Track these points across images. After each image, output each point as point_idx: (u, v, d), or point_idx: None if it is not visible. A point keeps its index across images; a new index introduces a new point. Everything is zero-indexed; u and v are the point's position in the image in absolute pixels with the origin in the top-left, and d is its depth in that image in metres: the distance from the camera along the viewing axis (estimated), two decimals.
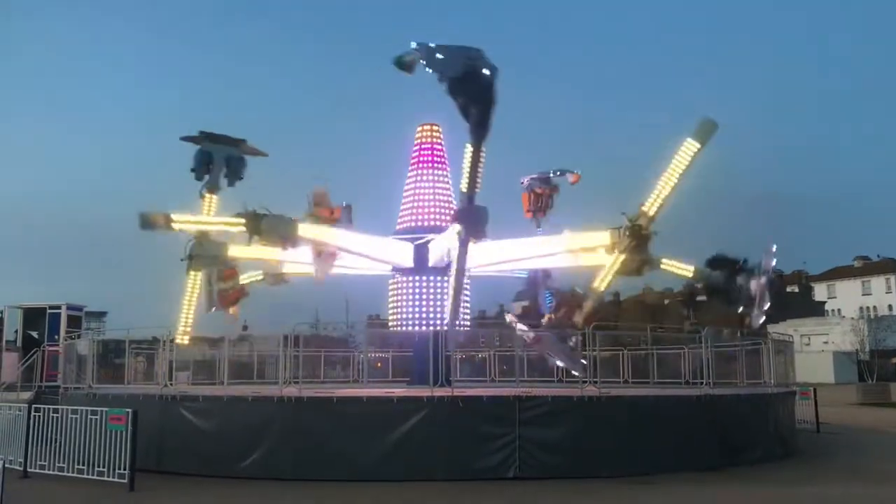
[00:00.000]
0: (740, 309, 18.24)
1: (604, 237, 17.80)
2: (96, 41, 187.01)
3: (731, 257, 18.19)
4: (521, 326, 19.21)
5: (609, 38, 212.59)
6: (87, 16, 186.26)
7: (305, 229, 17.73)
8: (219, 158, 17.96)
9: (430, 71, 15.10)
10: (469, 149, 16.59)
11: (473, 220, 17.11)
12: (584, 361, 16.46)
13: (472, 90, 15.40)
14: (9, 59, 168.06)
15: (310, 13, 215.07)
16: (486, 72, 15.23)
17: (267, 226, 16.71)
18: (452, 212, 18.74)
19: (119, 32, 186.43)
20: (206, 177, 18.16)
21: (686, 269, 18.21)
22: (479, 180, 16.92)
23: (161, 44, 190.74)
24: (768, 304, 17.66)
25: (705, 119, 17.23)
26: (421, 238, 20.47)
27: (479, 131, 16.21)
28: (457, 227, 17.60)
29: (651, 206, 17.36)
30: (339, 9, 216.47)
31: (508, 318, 20.86)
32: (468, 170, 16.80)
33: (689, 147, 17.13)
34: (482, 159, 16.67)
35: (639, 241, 17.22)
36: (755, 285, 17.53)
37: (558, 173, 21.76)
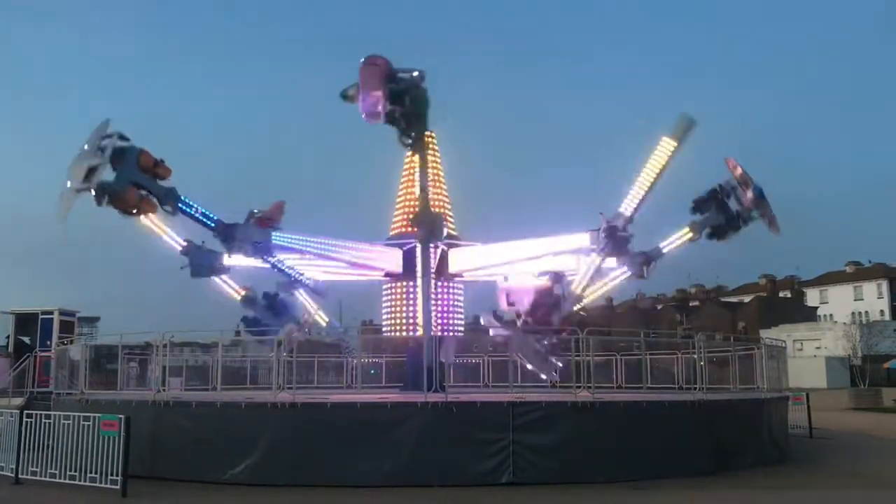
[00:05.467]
0: (748, 223, 17.73)
1: (582, 239, 17.93)
2: (89, 44, 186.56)
3: (708, 191, 17.81)
4: (494, 326, 18.43)
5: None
6: (88, 20, 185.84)
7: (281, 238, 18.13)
8: None
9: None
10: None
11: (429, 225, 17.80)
12: (558, 364, 16.45)
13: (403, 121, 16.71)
14: (2, 59, 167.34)
15: (300, 14, 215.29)
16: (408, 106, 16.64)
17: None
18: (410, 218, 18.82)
19: (116, 36, 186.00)
20: None
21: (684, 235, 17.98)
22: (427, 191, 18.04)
23: (159, 46, 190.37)
24: (769, 206, 17.46)
25: (683, 116, 17.10)
26: (413, 244, 20.46)
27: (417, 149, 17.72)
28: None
29: (627, 206, 17.42)
30: (330, 10, 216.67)
31: (483, 320, 19.66)
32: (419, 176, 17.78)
33: (666, 145, 17.14)
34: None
35: (616, 243, 17.16)
36: (747, 198, 17.39)
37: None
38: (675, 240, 17.97)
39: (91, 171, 15.11)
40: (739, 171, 17.66)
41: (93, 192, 15.19)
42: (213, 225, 17.16)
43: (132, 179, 15.64)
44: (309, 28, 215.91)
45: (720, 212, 17.67)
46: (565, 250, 18.58)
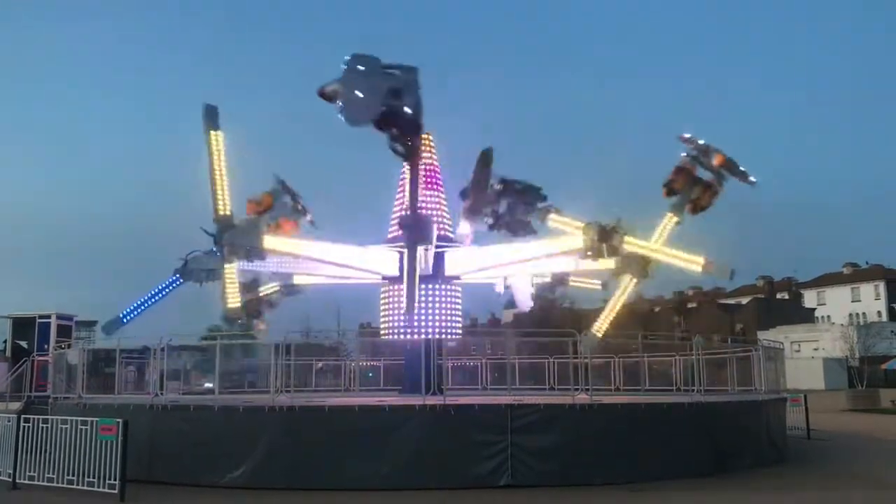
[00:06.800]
0: (723, 183, 17.66)
1: (576, 241, 17.82)
2: (82, 43, 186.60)
3: (674, 169, 17.70)
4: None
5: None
6: (84, 19, 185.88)
7: (272, 241, 17.84)
8: None
9: (343, 116, 15.41)
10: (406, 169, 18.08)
11: (417, 228, 18.28)
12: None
13: (397, 125, 16.19)
14: (7, 64, 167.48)
15: (299, 15, 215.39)
16: (407, 109, 15.94)
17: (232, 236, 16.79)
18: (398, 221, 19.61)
19: (115, 35, 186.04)
20: None
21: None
22: (418, 194, 18.29)
23: (156, 48, 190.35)
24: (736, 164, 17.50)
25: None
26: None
27: (411, 156, 17.27)
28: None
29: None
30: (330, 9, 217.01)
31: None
32: (409, 187, 18.07)
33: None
34: (420, 175, 18.23)
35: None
36: (714, 162, 17.39)
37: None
38: (662, 229, 17.79)
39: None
40: (698, 142, 17.62)
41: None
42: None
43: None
44: (314, 30, 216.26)
45: (693, 184, 17.58)
46: (559, 252, 18.56)
